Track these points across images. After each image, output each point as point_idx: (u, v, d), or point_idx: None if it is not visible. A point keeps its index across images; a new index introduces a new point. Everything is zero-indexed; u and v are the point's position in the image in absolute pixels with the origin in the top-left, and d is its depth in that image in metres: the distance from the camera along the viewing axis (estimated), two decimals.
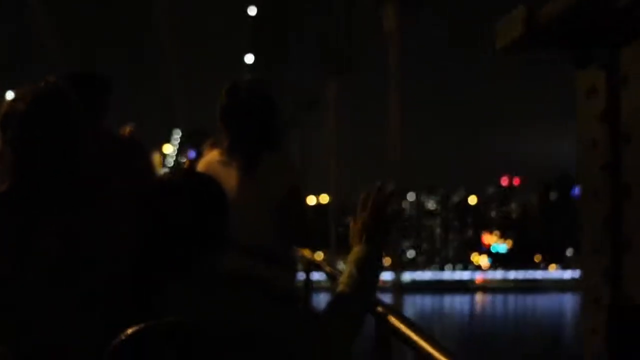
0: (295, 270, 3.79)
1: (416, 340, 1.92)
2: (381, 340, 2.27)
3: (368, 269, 2.14)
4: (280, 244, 3.45)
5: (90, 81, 3.58)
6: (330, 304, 2.11)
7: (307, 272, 6.40)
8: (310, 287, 6.21)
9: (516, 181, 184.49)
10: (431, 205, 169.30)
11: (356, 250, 2.17)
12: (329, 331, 2.02)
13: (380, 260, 2.18)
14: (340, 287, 2.12)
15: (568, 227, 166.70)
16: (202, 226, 2.14)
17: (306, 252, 6.11)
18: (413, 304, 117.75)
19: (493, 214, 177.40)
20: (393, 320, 2.17)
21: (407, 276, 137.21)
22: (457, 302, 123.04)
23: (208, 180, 2.28)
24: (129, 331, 1.91)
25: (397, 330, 2.11)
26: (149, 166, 3.57)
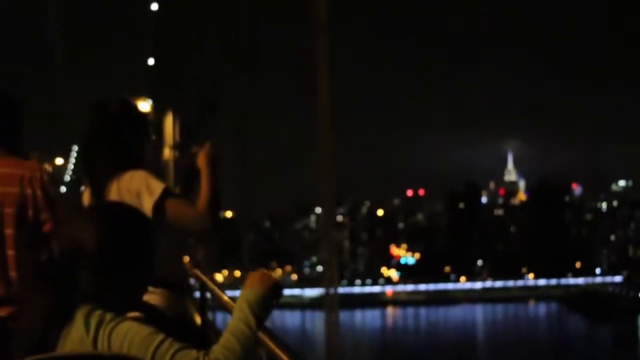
0: (184, 293, 3.78)
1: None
2: None
3: (262, 309, 2.29)
4: (167, 266, 3.45)
5: (8, 104, 3.66)
6: (222, 340, 2.20)
7: (202, 293, 6.47)
8: (205, 307, 6.27)
9: (421, 192, 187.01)
10: (339, 217, 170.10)
11: (254, 292, 2.31)
12: None
13: (272, 303, 2.34)
14: (233, 326, 2.23)
15: (477, 237, 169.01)
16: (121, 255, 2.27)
17: (200, 274, 6.17)
18: (322, 320, 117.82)
19: (401, 225, 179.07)
20: (267, 341, 2.26)
21: (316, 292, 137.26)
22: (368, 317, 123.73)
23: (134, 210, 2.43)
24: None
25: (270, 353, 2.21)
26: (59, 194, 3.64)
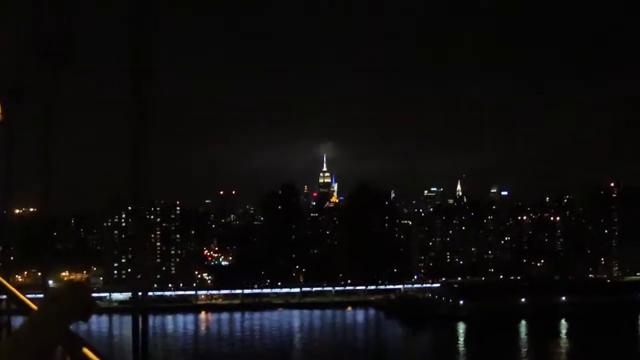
0: None
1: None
2: None
3: (67, 314, 2.21)
4: None
5: None
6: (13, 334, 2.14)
7: None
8: (5, 311, 6.12)
9: (234, 192, 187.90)
10: (151, 218, 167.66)
11: (62, 295, 2.24)
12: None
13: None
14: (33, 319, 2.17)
15: (294, 241, 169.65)
16: None
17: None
18: (129, 326, 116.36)
19: (214, 227, 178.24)
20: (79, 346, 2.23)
21: (124, 295, 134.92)
22: (180, 322, 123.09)
23: None
24: None
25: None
26: None
